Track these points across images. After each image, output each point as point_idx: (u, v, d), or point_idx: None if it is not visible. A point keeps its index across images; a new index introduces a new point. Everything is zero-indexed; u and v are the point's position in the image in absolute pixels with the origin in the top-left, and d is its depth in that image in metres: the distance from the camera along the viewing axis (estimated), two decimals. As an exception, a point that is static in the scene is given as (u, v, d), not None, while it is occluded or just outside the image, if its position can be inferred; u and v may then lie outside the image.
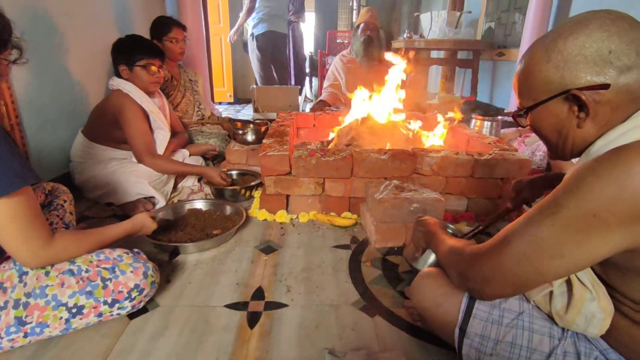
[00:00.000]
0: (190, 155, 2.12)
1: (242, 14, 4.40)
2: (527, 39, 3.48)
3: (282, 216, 1.75)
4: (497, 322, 0.82)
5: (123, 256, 1.09)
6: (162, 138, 1.87)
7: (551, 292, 0.78)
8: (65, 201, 1.35)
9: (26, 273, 0.96)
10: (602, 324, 0.71)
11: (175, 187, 1.96)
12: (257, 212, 1.78)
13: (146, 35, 2.36)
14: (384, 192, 1.56)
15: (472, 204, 1.83)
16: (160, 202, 1.77)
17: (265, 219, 1.76)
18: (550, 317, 0.79)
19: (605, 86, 0.64)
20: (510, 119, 2.67)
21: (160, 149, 1.87)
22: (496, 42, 4.46)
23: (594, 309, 0.72)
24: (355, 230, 1.70)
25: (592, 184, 0.61)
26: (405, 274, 1.37)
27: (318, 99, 3.21)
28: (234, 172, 2.07)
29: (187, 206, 1.71)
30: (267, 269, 1.39)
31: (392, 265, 1.44)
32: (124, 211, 1.72)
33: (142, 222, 1.24)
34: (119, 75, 1.79)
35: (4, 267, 0.96)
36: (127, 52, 1.78)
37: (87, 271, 1.01)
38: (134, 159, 1.80)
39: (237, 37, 4.17)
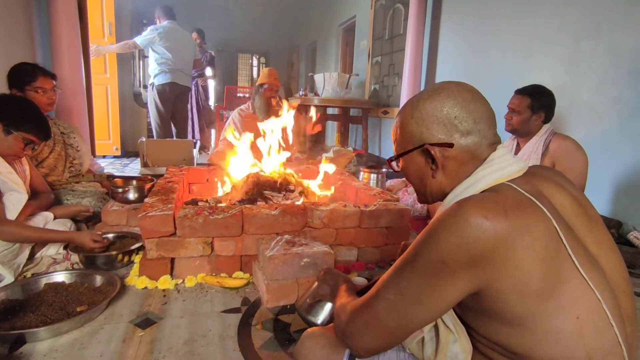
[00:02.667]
0: (55, 219, 1.83)
1: (117, 45, 4.26)
2: (404, 98, 3.99)
3: (165, 282, 1.59)
4: (376, 380, 0.81)
5: None
6: (14, 201, 1.59)
7: (423, 339, 0.81)
8: None
9: None
10: None
11: (32, 258, 1.66)
12: (136, 280, 1.58)
13: (1, 83, 2.09)
14: (275, 249, 1.53)
15: (362, 253, 1.90)
16: (8, 278, 1.47)
17: (146, 287, 1.57)
18: None
19: (450, 145, 0.76)
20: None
21: (13, 213, 1.59)
22: (381, 101, 5.00)
23: (456, 350, 0.77)
24: (247, 290, 1.61)
25: (439, 234, 0.68)
26: (297, 333, 1.32)
27: (215, 150, 3.14)
28: (110, 235, 1.84)
29: (44, 280, 1.44)
30: (142, 347, 1.22)
31: (284, 325, 1.38)
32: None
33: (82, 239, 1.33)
34: None
35: None
36: (18, 115, 1.57)
37: None
38: None
39: (95, 57, 3.96)
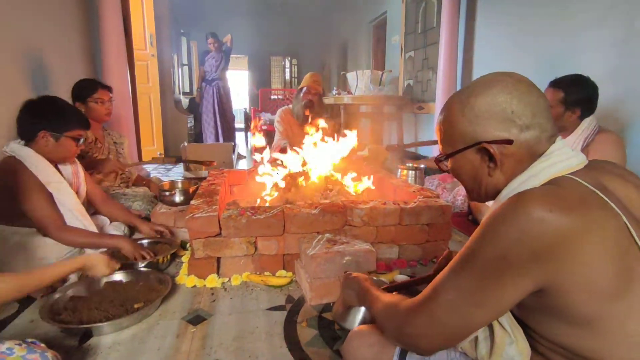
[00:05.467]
0: (111, 223, 1.96)
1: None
2: (440, 94, 3.89)
3: (212, 281, 1.66)
4: (428, 377, 0.81)
5: (14, 349, 0.93)
6: (69, 208, 1.69)
7: (476, 338, 0.80)
8: None
9: None
10: None
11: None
12: (186, 279, 1.67)
13: (67, 94, 2.27)
14: (316, 248, 1.55)
15: (403, 251, 1.88)
16: (72, 277, 1.59)
17: (195, 286, 1.65)
18: None
19: (509, 141, 0.72)
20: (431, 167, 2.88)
21: (74, 222, 1.70)
22: (415, 97, 4.92)
23: (513, 353, 0.74)
24: (291, 288, 1.65)
25: (498, 229, 0.66)
26: (342, 331, 1.34)
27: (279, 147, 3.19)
28: (145, 241, 1.92)
29: (105, 279, 1.55)
30: (195, 343, 1.28)
31: (328, 323, 1.40)
32: (29, 294, 1.51)
33: (94, 262, 1.29)
34: (26, 139, 1.64)
35: None
36: (58, 118, 1.63)
37: None
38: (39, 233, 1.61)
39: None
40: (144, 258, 1.69)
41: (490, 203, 0.86)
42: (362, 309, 1.17)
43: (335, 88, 5.38)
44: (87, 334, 1.29)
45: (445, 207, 1.89)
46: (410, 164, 2.90)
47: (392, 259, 1.87)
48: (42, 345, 0.99)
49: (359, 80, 4.79)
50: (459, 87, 3.84)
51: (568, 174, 0.70)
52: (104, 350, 1.23)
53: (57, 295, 1.41)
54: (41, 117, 1.62)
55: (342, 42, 8.10)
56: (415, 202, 1.89)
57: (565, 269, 0.62)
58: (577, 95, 1.84)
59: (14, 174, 1.54)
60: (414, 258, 1.89)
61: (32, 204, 1.54)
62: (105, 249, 1.69)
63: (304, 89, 3.10)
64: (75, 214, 1.69)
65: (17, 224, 1.59)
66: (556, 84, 1.89)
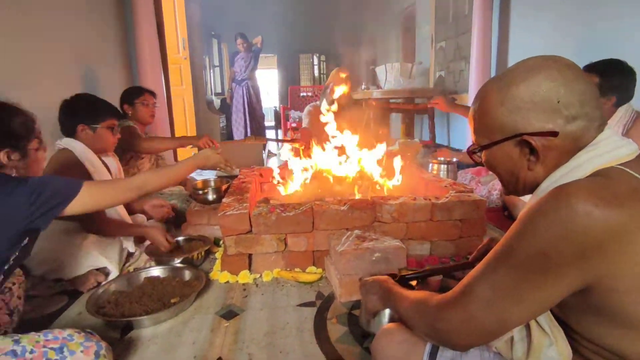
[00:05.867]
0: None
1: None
2: (473, 84, 3.75)
3: (244, 277, 1.70)
4: (460, 374, 0.79)
5: (74, 335, 1.02)
6: (116, 208, 1.80)
7: (512, 338, 0.77)
8: (14, 284, 1.25)
9: None
10: None
11: (131, 254, 1.87)
12: (219, 275, 1.72)
13: (109, 99, 2.43)
14: (345, 244, 1.55)
15: (435, 247, 1.84)
16: (114, 273, 1.68)
17: (228, 281, 1.69)
18: None
19: (554, 133, 0.66)
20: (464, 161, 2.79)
21: (111, 211, 1.80)
22: (447, 88, 4.78)
23: (552, 355, 0.71)
24: (321, 285, 1.66)
25: (538, 223, 0.62)
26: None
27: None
28: (180, 238, 1.99)
29: (144, 274, 1.63)
30: (228, 337, 1.32)
31: (358, 319, 1.39)
32: (74, 286, 1.61)
33: (205, 155, 1.50)
34: (68, 135, 1.76)
35: None
36: (91, 111, 1.76)
37: (31, 352, 0.95)
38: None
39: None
40: (167, 245, 1.79)
41: (527, 197, 0.82)
42: (387, 312, 1.16)
43: (364, 83, 5.32)
44: (128, 327, 1.36)
45: (479, 202, 1.83)
46: (442, 158, 2.83)
47: (424, 256, 1.83)
48: (97, 335, 1.06)
49: (388, 74, 4.71)
50: (493, 77, 3.69)
51: (617, 165, 0.64)
52: (144, 342, 1.29)
53: (101, 290, 1.49)
54: (77, 113, 1.76)
55: (371, 36, 8.00)
56: (447, 197, 1.84)
57: (614, 268, 0.58)
58: (612, 81, 1.72)
59: (67, 164, 1.68)
60: (447, 255, 1.84)
61: None
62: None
63: (331, 85, 3.08)
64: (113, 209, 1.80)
65: (63, 219, 1.69)
66: (591, 68, 1.76)
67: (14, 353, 0.93)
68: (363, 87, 5.15)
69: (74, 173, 1.65)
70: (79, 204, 1.10)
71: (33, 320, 1.41)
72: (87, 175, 1.72)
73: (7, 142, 1.07)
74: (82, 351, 0.99)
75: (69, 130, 1.76)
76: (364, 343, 1.25)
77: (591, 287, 0.61)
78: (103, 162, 1.86)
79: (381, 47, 7.51)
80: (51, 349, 0.97)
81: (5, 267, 1.05)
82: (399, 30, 6.54)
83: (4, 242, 1.01)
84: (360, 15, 8.30)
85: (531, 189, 0.75)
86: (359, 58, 8.79)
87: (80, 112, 1.76)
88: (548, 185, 0.69)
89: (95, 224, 1.70)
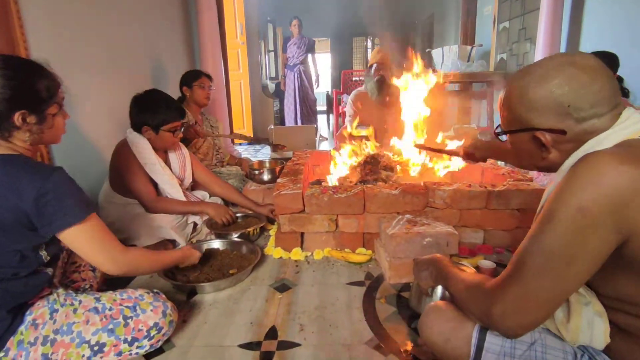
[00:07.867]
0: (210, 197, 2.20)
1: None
2: (539, 68, 3.50)
3: (297, 254, 1.78)
4: (509, 354, 0.80)
5: (144, 295, 1.14)
6: (171, 191, 1.91)
7: None
8: None
9: (56, 310, 1.03)
10: (604, 328, 0.74)
11: (195, 228, 2.03)
12: (273, 250, 1.81)
13: (175, 84, 2.63)
14: (396, 227, 1.57)
15: (489, 236, 1.79)
16: (181, 244, 1.84)
17: (281, 257, 1.78)
18: (560, 339, 0.79)
19: (563, 132, 0.75)
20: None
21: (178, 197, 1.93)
22: (509, 72, 4.50)
23: (591, 314, 0.75)
24: (370, 266, 1.70)
25: (573, 185, 0.69)
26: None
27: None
28: (239, 215, 2.10)
29: (205, 246, 1.76)
30: (281, 308, 1.40)
31: (407, 301, 1.41)
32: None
33: (189, 253, 1.46)
34: (136, 129, 1.86)
35: (38, 304, 1.03)
36: (154, 115, 1.82)
37: (110, 309, 1.08)
38: None
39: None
40: (226, 221, 1.92)
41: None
42: (439, 294, 1.17)
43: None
44: (193, 292, 1.49)
45: (539, 191, 1.74)
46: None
47: (477, 244, 1.79)
48: (164, 296, 1.19)
49: (445, 57, 4.53)
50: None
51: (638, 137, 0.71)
52: (206, 306, 1.42)
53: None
54: (144, 113, 1.83)
55: (428, 18, 7.68)
56: (504, 185, 1.78)
57: None
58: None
59: (121, 154, 1.82)
60: (502, 245, 1.79)
61: (129, 178, 1.80)
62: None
63: (374, 65, 3.04)
64: (167, 192, 1.91)
65: (129, 196, 1.86)
66: None
67: (95, 310, 1.07)
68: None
69: (127, 164, 1.79)
70: (66, 235, 0.99)
71: (113, 278, 1.59)
72: (139, 168, 1.81)
73: (25, 104, 0.97)
74: (151, 310, 1.12)
75: (136, 126, 1.86)
76: (412, 324, 1.28)
77: (627, 242, 0.67)
78: (167, 159, 1.97)
79: (439, 28, 7.19)
80: (126, 307, 1.10)
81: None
82: (459, 11, 6.20)
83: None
84: (418, -3, 7.98)
85: (549, 169, 0.83)
86: (415, 41, 8.49)
87: (146, 113, 1.82)
88: (571, 162, 0.75)
89: (147, 203, 1.82)
